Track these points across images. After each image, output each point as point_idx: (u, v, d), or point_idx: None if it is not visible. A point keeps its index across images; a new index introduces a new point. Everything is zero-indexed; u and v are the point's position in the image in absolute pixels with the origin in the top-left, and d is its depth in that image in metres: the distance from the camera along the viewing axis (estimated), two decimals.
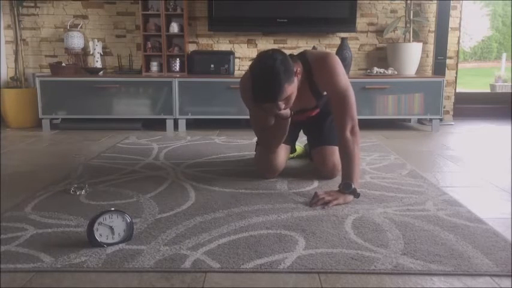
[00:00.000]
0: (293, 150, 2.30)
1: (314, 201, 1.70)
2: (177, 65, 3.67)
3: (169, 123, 3.43)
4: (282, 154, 2.07)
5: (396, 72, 3.60)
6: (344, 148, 1.78)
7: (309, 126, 2.17)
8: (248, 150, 2.62)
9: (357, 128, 1.80)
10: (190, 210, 1.65)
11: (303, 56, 1.83)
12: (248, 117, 2.09)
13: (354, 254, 1.29)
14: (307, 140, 2.27)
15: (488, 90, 4.92)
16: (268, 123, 1.88)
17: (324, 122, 2.10)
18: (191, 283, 1.14)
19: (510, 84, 4.82)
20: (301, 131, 2.26)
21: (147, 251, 1.30)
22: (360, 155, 1.92)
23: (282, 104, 1.65)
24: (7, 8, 3.66)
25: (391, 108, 3.41)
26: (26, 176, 2.14)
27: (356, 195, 1.73)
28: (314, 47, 3.64)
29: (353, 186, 1.72)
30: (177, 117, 3.41)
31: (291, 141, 2.19)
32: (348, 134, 1.77)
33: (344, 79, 1.78)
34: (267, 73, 1.58)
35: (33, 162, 2.43)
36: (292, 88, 1.65)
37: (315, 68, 1.79)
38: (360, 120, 1.86)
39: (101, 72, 3.66)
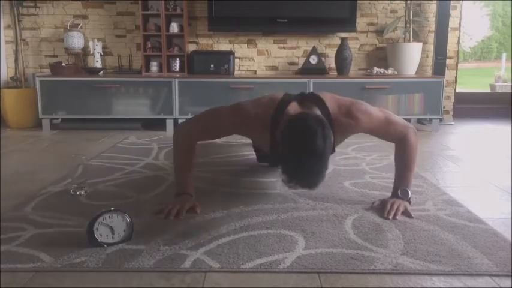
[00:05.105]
0: None
1: (388, 214, 1.59)
2: (177, 65, 3.67)
3: (169, 123, 3.43)
4: None
5: (396, 72, 3.59)
6: (409, 151, 1.67)
7: None
8: (248, 150, 2.62)
9: None
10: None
11: (321, 104, 1.57)
12: None
13: (353, 254, 1.29)
14: None
15: (488, 90, 4.92)
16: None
17: None
18: (191, 283, 1.14)
19: (510, 84, 4.82)
20: None
21: (147, 251, 1.30)
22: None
23: None
24: (7, 8, 3.66)
25: (391, 108, 3.40)
26: (26, 176, 2.14)
27: (410, 202, 1.67)
28: (314, 48, 3.64)
29: (410, 193, 1.66)
30: (177, 117, 3.41)
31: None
32: (413, 137, 1.67)
33: (379, 113, 1.66)
34: (313, 156, 1.31)
35: (33, 162, 2.43)
36: None
37: (343, 123, 1.58)
38: None
39: (101, 72, 3.65)
